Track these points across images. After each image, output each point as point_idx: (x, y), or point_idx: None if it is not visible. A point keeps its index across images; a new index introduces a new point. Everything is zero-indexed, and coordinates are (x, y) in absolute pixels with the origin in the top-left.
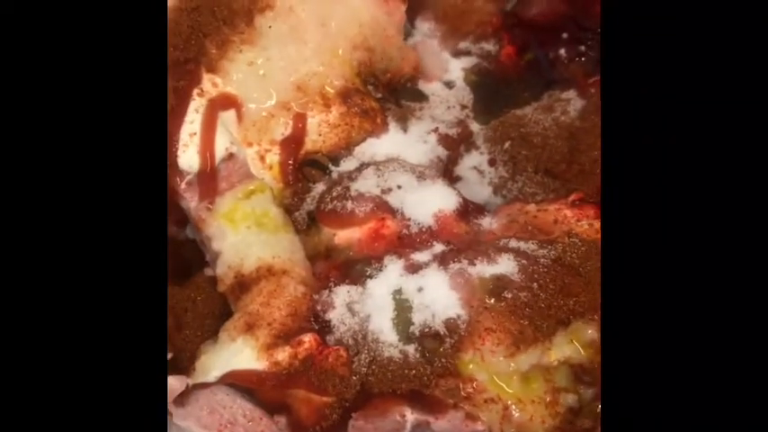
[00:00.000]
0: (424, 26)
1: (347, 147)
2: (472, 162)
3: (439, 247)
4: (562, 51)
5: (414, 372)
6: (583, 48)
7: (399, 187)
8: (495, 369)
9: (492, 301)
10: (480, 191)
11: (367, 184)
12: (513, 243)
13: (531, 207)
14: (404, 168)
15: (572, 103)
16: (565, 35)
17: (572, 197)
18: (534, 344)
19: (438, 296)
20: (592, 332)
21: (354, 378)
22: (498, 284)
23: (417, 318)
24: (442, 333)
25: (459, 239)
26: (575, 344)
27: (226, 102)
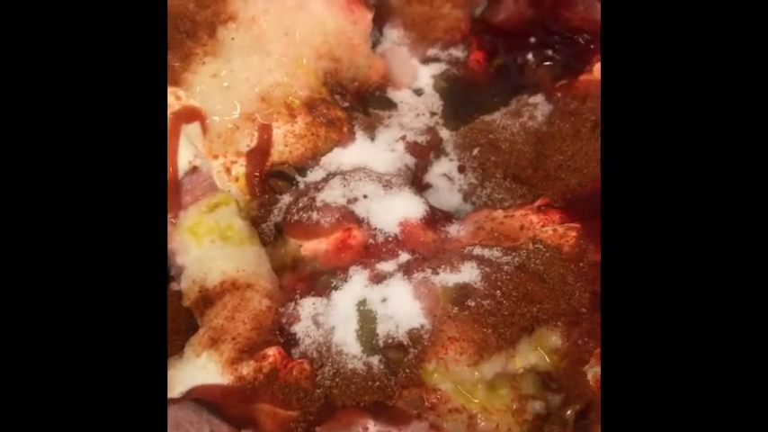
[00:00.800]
0: (393, 33)
1: (314, 157)
2: (442, 169)
3: (404, 257)
4: (530, 56)
5: (377, 383)
6: (550, 52)
7: (365, 197)
8: (459, 378)
9: (455, 309)
10: (450, 198)
11: (333, 194)
12: (478, 250)
13: (499, 213)
14: (370, 177)
15: (539, 108)
16: (532, 40)
17: (538, 202)
18: (498, 352)
19: (402, 306)
20: (556, 339)
21: (318, 391)
22: (461, 293)
23: (381, 329)
24: (405, 343)
25: (424, 248)
26: (540, 351)
27: (189, 114)
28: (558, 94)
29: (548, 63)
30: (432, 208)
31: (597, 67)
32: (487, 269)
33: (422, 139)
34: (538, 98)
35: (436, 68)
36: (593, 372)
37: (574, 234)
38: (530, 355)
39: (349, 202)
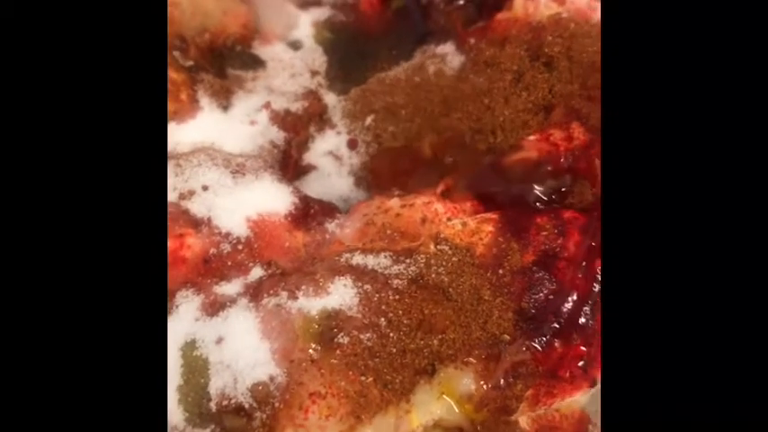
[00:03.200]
0: None
1: None
2: (327, 145)
3: (257, 272)
4: None
5: None
6: None
7: (205, 188)
8: None
9: (319, 350)
10: (338, 183)
11: None
12: (358, 258)
13: (394, 202)
14: (214, 162)
15: (448, 60)
16: None
17: (441, 186)
18: (384, 408)
19: (243, 349)
20: (468, 381)
21: None
22: (329, 325)
23: (214, 384)
24: (247, 406)
25: (290, 257)
26: (446, 399)
27: None
28: (471, 41)
29: (459, 1)
30: (304, 199)
31: (519, 2)
32: (368, 286)
33: (297, 107)
34: (447, 47)
35: (318, 14)
36: (528, 418)
37: (490, 228)
38: (432, 407)
39: (182, 197)
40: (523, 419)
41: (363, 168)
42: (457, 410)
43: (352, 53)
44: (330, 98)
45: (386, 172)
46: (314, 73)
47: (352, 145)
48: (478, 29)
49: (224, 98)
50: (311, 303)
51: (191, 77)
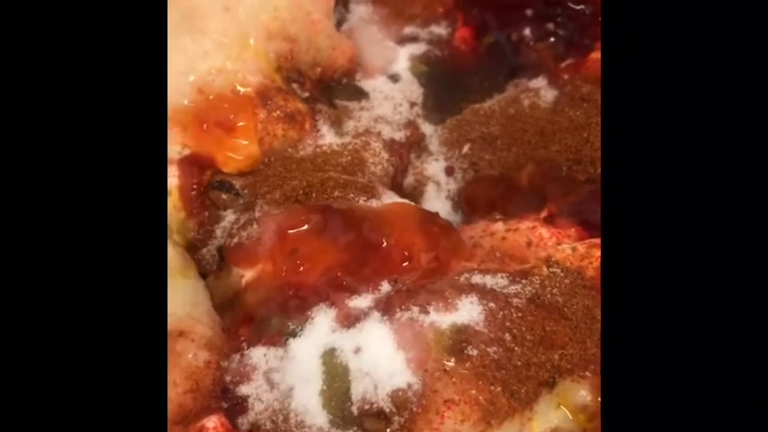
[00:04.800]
0: (361, 9)
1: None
2: (425, 171)
3: (385, 288)
4: (527, 31)
5: None
6: (551, 26)
7: None
8: None
9: (452, 361)
10: (436, 207)
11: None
12: (477, 278)
13: (499, 226)
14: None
15: (542, 94)
16: (529, 12)
17: (545, 212)
18: (511, 415)
19: (381, 358)
20: (584, 393)
21: None
22: (459, 338)
23: (355, 390)
24: (387, 410)
25: (417, 272)
26: (563, 409)
27: None
28: (565, 77)
29: (549, 39)
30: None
31: None
32: (492, 304)
33: (400, 136)
34: (539, 81)
35: (415, 49)
36: None
37: (599, 253)
38: (551, 416)
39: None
40: None
41: (460, 194)
42: (572, 419)
43: (446, 85)
44: (427, 128)
45: (482, 198)
46: (412, 104)
47: (449, 171)
48: (571, 65)
49: (338, 126)
50: (442, 318)
51: (310, 108)
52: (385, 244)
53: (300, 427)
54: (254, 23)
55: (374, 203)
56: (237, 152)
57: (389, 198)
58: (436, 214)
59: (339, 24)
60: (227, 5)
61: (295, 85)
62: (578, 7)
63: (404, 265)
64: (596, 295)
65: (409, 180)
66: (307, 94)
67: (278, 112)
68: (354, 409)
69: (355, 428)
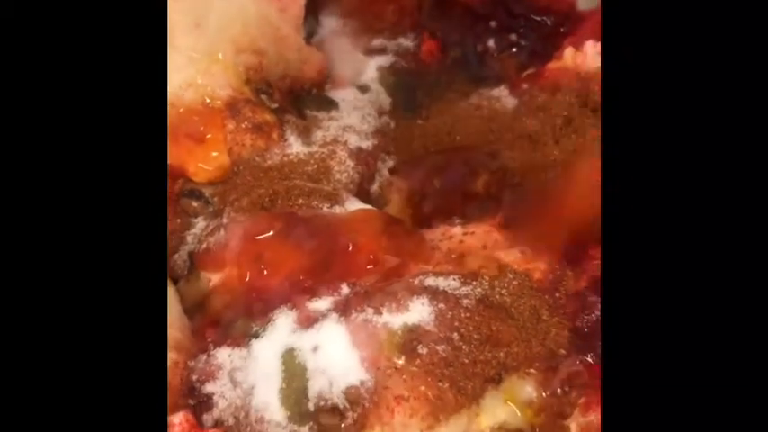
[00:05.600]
0: (332, 22)
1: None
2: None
3: (345, 291)
4: (491, 43)
5: None
6: (514, 37)
7: None
8: None
9: (403, 359)
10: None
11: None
12: (431, 280)
13: (457, 230)
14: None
15: (502, 102)
16: (493, 24)
17: (499, 217)
18: (458, 410)
19: (336, 357)
20: (530, 389)
21: None
22: (410, 337)
23: (312, 387)
24: (341, 406)
25: (371, 278)
26: (510, 405)
27: None
28: (524, 86)
29: (511, 50)
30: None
31: (568, 53)
32: (442, 305)
33: (368, 144)
34: (501, 91)
35: (382, 61)
36: (576, 424)
37: (548, 257)
38: (498, 411)
39: None
40: (574, 425)
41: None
42: (519, 414)
43: (413, 95)
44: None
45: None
46: (381, 113)
47: None
48: (530, 75)
49: (306, 136)
50: (394, 318)
51: (278, 119)
52: (351, 248)
53: (260, 422)
54: (223, 38)
55: (338, 210)
56: (208, 163)
57: (353, 205)
58: (400, 220)
59: (310, 37)
60: (197, 22)
61: (264, 97)
62: (541, 18)
63: (368, 268)
64: (542, 296)
65: (375, 187)
66: (276, 105)
67: (246, 123)
68: (311, 406)
69: (311, 423)
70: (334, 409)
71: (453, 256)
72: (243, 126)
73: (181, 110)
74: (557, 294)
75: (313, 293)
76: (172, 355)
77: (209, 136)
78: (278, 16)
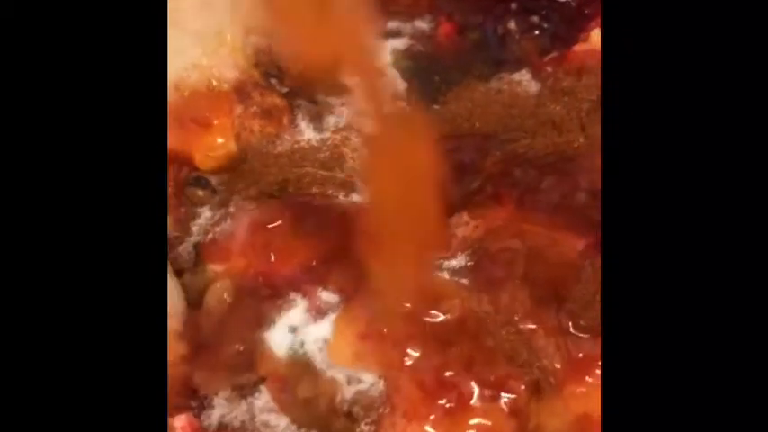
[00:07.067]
0: (345, 4)
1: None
2: None
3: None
4: (512, 25)
5: None
6: (536, 19)
7: None
8: None
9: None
10: None
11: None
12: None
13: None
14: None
15: (524, 86)
16: (514, 5)
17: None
18: None
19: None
20: None
21: None
22: None
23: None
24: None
25: None
26: None
27: None
28: (548, 69)
29: (532, 33)
30: None
31: (595, 35)
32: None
33: None
34: (523, 75)
35: (398, 44)
36: None
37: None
38: None
39: None
40: None
41: None
42: None
43: (429, 79)
44: None
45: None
46: (396, 98)
47: None
48: (554, 58)
49: (318, 122)
50: None
51: (288, 104)
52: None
53: (266, 426)
54: (231, 18)
55: (354, 198)
56: (215, 151)
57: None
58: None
59: (322, 18)
60: (206, 1)
61: (274, 80)
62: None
63: None
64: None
65: None
66: (286, 89)
67: (255, 107)
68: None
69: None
70: (348, 415)
71: (468, 242)
72: (251, 111)
73: (186, 93)
74: None
75: (324, 284)
76: (175, 350)
77: (215, 122)
78: None
